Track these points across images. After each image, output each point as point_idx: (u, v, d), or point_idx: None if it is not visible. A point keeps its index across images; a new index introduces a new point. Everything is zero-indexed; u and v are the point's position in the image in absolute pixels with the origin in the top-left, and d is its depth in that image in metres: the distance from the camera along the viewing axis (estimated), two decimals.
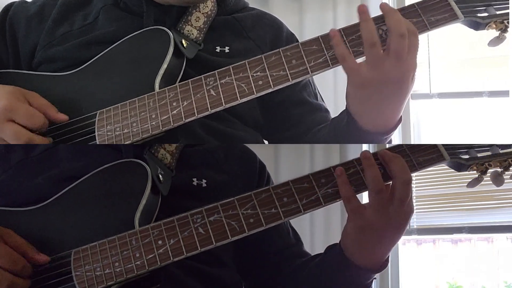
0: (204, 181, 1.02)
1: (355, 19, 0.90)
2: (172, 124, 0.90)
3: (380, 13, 0.88)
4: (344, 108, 0.95)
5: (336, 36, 0.87)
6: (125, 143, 0.91)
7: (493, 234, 2.57)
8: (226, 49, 1.06)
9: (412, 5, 0.90)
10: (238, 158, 1.11)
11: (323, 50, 0.88)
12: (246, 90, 0.89)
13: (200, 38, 1.05)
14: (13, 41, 1.10)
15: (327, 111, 1.15)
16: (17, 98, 0.90)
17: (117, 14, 1.08)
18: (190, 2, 1.06)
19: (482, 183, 0.91)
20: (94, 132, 0.92)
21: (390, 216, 0.82)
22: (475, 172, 0.89)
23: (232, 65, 0.91)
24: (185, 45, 1.00)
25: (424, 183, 2.60)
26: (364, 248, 0.86)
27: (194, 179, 1.01)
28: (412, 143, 2.05)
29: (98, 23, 1.08)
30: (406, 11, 0.89)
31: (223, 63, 0.93)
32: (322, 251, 1.02)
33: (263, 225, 0.83)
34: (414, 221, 2.58)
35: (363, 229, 0.84)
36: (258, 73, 0.89)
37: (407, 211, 0.83)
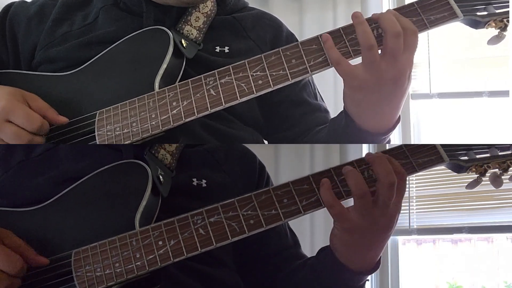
0: (204, 181, 1.02)
1: None
2: (172, 123, 0.90)
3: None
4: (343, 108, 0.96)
5: (328, 40, 0.88)
6: (125, 142, 0.91)
7: (493, 234, 2.57)
8: (226, 49, 1.06)
9: (412, 4, 0.90)
10: (238, 158, 1.11)
11: (323, 50, 0.89)
12: (246, 89, 0.89)
13: (200, 38, 1.05)
14: (13, 42, 1.10)
15: (326, 111, 1.15)
16: (16, 99, 0.90)
17: (117, 14, 1.08)
18: (189, 2, 1.06)
19: (481, 183, 0.91)
20: (94, 132, 0.92)
21: (376, 218, 0.82)
22: (473, 173, 0.89)
23: (232, 65, 0.91)
24: (184, 45, 1.00)
25: (424, 183, 2.60)
26: (352, 250, 0.87)
27: (194, 179, 1.02)
28: (412, 143, 2.05)
29: (98, 23, 1.08)
30: (405, 10, 0.89)
31: (223, 63, 0.93)
32: (311, 256, 1.03)
33: (263, 226, 0.83)
34: (414, 221, 2.57)
35: (349, 231, 0.84)
36: (258, 73, 0.89)
37: (393, 212, 0.83)
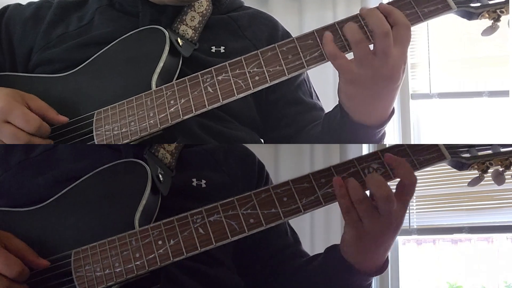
0: (203, 181, 1.02)
1: None
2: (170, 122, 0.90)
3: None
4: None
5: (328, 36, 0.88)
6: (124, 142, 0.91)
7: (493, 234, 2.57)
8: (222, 49, 1.06)
9: None
10: (238, 158, 1.11)
11: (319, 44, 0.89)
12: (243, 86, 0.89)
13: (195, 38, 1.05)
14: (9, 45, 1.10)
15: (322, 109, 1.15)
16: (15, 100, 0.90)
17: (112, 14, 1.08)
18: (184, 1, 1.06)
19: (482, 183, 0.90)
20: (92, 132, 0.92)
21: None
22: (475, 171, 0.89)
23: (228, 62, 0.91)
24: (181, 44, 1.01)
25: (424, 183, 2.60)
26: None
27: (194, 180, 1.01)
28: (412, 143, 2.05)
29: (94, 24, 1.08)
30: (399, 3, 0.89)
31: (219, 63, 0.93)
32: (322, 251, 1.02)
33: (263, 225, 0.83)
34: (414, 221, 2.58)
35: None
36: (255, 69, 0.89)
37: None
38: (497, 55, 2.67)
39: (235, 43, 1.07)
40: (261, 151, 1.17)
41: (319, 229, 2.44)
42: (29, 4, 1.14)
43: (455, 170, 0.92)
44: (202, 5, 1.08)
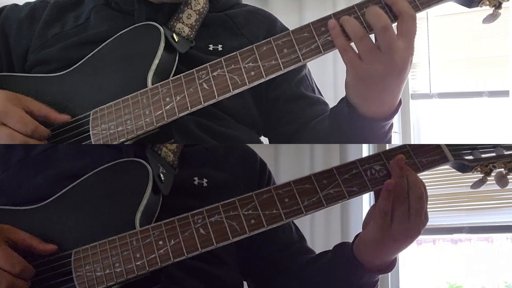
0: (205, 180, 1.02)
1: None
2: (166, 119, 0.89)
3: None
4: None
5: (336, 28, 0.86)
6: (120, 141, 0.90)
7: (493, 234, 2.57)
8: (219, 47, 1.05)
9: None
10: (239, 157, 1.10)
11: (314, 37, 0.87)
12: (239, 81, 0.88)
13: (192, 36, 1.05)
14: (5, 45, 1.10)
15: (325, 103, 1.14)
16: (11, 103, 0.90)
17: (108, 13, 1.08)
18: None
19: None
20: (89, 132, 0.92)
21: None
22: (478, 173, 0.89)
23: (224, 57, 0.90)
24: (176, 40, 1.00)
25: (425, 183, 2.59)
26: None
27: (195, 179, 1.01)
28: (412, 143, 2.05)
29: (90, 23, 1.07)
30: None
31: None
32: (323, 251, 1.02)
33: (264, 226, 0.83)
34: None
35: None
36: (250, 64, 0.88)
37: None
38: (497, 55, 2.67)
39: (232, 41, 1.07)
40: (261, 151, 1.17)
41: (319, 229, 2.44)
42: (25, 4, 1.14)
43: (455, 170, 0.92)
44: (199, 3, 1.07)
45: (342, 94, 0.95)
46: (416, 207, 0.81)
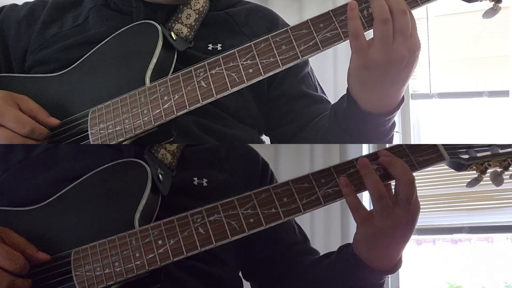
0: (205, 180, 1.02)
1: None
2: (164, 118, 0.89)
3: None
4: None
5: (355, 9, 0.85)
6: (118, 140, 0.90)
7: (493, 234, 2.57)
8: (219, 46, 1.05)
9: None
10: (240, 157, 1.10)
11: (313, 33, 0.87)
12: (237, 79, 0.88)
13: (191, 36, 1.04)
14: (3, 46, 1.10)
15: (328, 102, 1.13)
16: (6, 103, 0.89)
17: (107, 14, 1.07)
18: (179, 0, 1.05)
19: (481, 183, 0.90)
20: (87, 131, 0.92)
21: (398, 218, 0.82)
22: (474, 172, 0.89)
23: (222, 55, 0.89)
24: (174, 38, 0.99)
25: (424, 183, 2.60)
26: (376, 252, 0.86)
27: (195, 179, 1.01)
28: (412, 143, 2.04)
29: (88, 23, 1.07)
30: None
31: None
32: (322, 251, 1.02)
33: (263, 225, 0.83)
34: None
35: (374, 234, 0.83)
36: (248, 61, 0.88)
37: (414, 210, 0.83)
38: (497, 55, 2.67)
39: (232, 40, 1.06)
40: (261, 151, 1.17)
41: (319, 229, 2.44)
42: (24, 4, 1.14)
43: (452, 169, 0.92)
44: (198, 2, 1.07)
45: (342, 92, 0.94)
46: (406, 195, 0.80)
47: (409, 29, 0.83)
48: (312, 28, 0.87)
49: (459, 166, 0.89)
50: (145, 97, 0.90)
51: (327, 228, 2.44)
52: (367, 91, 0.88)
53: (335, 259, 0.95)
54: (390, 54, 0.83)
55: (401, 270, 2.69)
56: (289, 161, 2.56)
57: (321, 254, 1.05)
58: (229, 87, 0.88)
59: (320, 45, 0.87)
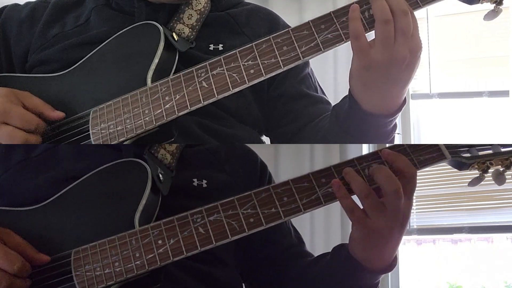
0: (204, 181, 1.02)
1: None
2: (165, 118, 0.89)
3: None
4: None
5: (357, 10, 0.85)
6: (120, 140, 0.90)
7: (493, 234, 2.57)
8: (220, 47, 1.05)
9: None
10: (240, 158, 1.10)
11: (314, 34, 0.87)
12: (238, 79, 0.88)
13: (192, 37, 1.04)
14: (5, 46, 1.10)
15: (328, 103, 1.13)
16: (10, 101, 0.89)
17: (109, 14, 1.07)
18: None
19: (482, 183, 0.90)
20: (89, 131, 0.92)
21: (389, 217, 0.81)
22: (476, 171, 0.89)
23: (223, 56, 0.90)
24: (176, 39, 0.99)
25: (424, 183, 2.60)
26: (372, 252, 0.86)
27: (195, 180, 1.01)
28: (412, 143, 2.04)
29: (90, 23, 1.07)
30: None
31: None
32: (322, 251, 1.02)
33: (263, 224, 0.83)
34: (414, 221, 2.57)
35: (368, 235, 0.83)
36: (249, 62, 0.88)
37: (408, 209, 0.83)
38: (497, 55, 2.67)
39: (233, 41, 1.06)
40: (261, 151, 1.17)
41: (319, 229, 2.44)
42: (26, 4, 1.14)
43: (455, 170, 0.91)
44: (200, 3, 1.07)
45: (342, 94, 0.94)
46: (393, 202, 0.80)
47: (410, 29, 0.83)
48: (313, 29, 0.87)
49: (460, 165, 0.88)
50: (147, 97, 0.91)
51: (327, 228, 2.44)
52: (368, 91, 0.88)
53: (330, 260, 0.95)
54: (391, 55, 0.82)
55: (401, 270, 2.69)
56: (289, 161, 2.56)
57: (317, 255, 1.05)
58: (231, 87, 0.88)
59: (321, 46, 0.87)
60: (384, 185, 0.80)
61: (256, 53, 0.88)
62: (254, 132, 1.10)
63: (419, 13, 0.87)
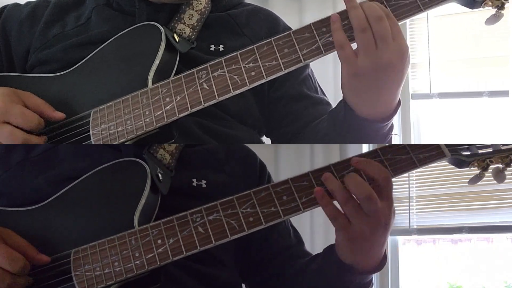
0: (204, 181, 1.02)
1: None
2: (166, 120, 0.89)
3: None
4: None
5: (337, 22, 0.86)
6: (120, 141, 0.90)
7: (493, 234, 2.57)
8: (221, 48, 1.05)
9: None
10: (239, 158, 1.10)
11: (315, 37, 0.87)
12: (239, 81, 0.88)
13: (193, 37, 1.04)
14: (6, 45, 1.10)
15: (328, 104, 1.13)
16: (11, 100, 0.90)
17: (109, 14, 1.07)
18: None
19: (481, 182, 0.90)
20: (89, 132, 0.92)
21: (372, 220, 0.82)
22: (476, 169, 0.89)
23: (224, 57, 0.90)
24: (177, 40, 1.00)
25: (424, 183, 2.59)
26: (359, 255, 0.87)
27: (194, 180, 1.01)
28: (412, 143, 2.04)
29: (91, 23, 1.07)
30: None
31: None
32: (315, 254, 1.02)
33: (263, 223, 0.83)
34: (414, 221, 2.57)
35: (352, 239, 0.84)
36: (250, 64, 0.88)
37: (390, 210, 0.83)
38: (497, 55, 2.67)
39: (234, 42, 1.06)
40: (261, 151, 1.17)
41: (319, 229, 2.44)
42: (27, 4, 1.14)
43: (455, 170, 0.92)
44: (200, 3, 1.07)
45: (342, 95, 0.95)
46: (368, 208, 0.80)
47: (389, 34, 0.83)
48: (314, 32, 0.88)
49: (460, 163, 0.88)
50: (147, 98, 0.91)
51: (326, 228, 2.44)
52: (360, 98, 0.89)
53: (322, 261, 0.95)
54: (376, 61, 0.83)
55: (401, 270, 2.70)
56: (289, 161, 2.56)
57: (312, 255, 1.05)
58: (231, 89, 0.88)
59: (322, 49, 0.87)
60: (356, 192, 0.81)
61: (257, 55, 0.88)
62: (254, 133, 1.10)
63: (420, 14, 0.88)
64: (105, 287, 0.82)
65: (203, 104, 0.88)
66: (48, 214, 0.91)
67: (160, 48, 0.95)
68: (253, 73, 0.88)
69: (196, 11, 1.06)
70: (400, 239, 2.58)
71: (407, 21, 0.91)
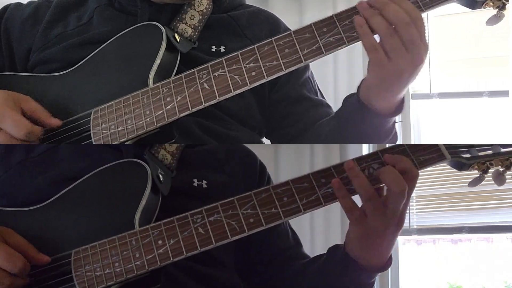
0: (204, 182, 1.02)
1: None
2: (166, 119, 0.89)
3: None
4: None
5: (363, 25, 0.85)
6: (121, 140, 0.90)
7: (493, 234, 2.57)
8: (222, 49, 1.05)
9: None
10: (239, 159, 1.10)
11: (316, 37, 0.87)
12: (240, 81, 0.88)
13: (195, 37, 1.05)
14: (8, 45, 1.10)
15: (328, 106, 1.14)
16: (7, 105, 0.89)
17: (111, 14, 1.07)
18: None
19: (482, 183, 0.90)
20: (90, 131, 0.92)
21: (388, 217, 0.82)
22: (476, 171, 0.89)
23: (225, 57, 0.90)
24: (178, 40, 1.00)
25: (424, 183, 2.60)
26: (369, 251, 0.87)
27: (195, 180, 1.01)
28: (412, 143, 2.04)
29: (92, 23, 1.07)
30: None
31: None
32: (322, 251, 1.02)
33: (263, 225, 0.83)
34: (414, 221, 2.58)
35: (367, 234, 0.84)
36: (251, 64, 0.88)
37: (404, 209, 0.83)
38: (497, 55, 2.67)
39: (235, 43, 1.06)
40: (261, 151, 1.17)
41: (319, 229, 2.44)
42: (29, 3, 1.14)
43: (455, 170, 0.91)
44: (202, 4, 1.07)
45: (342, 95, 0.95)
46: (396, 202, 0.80)
47: (417, 38, 0.87)
48: (315, 32, 0.87)
49: (460, 165, 0.89)
50: (148, 98, 0.91)
51: (327, 228, 2.44)
52: (381, 96, 0.90)
53: (326, 260, 0.95)
54: (402, 62, 0.86)
55: (401, 270, 2.69)
56: (289, 161, 2.56)
57: (313, 257, 1.05)
58: (232, 89, 0.88)
59: (323, 49, 0.87)
60: (392, 185, 0.80)
61: (258, 55, 0.88)
62: (254, 134, 1.10)
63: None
64: (106, 287, 0.82)
65: (203, 104, 0.88)
66: (49, 214, 0.91)
67: (161, 48, 0.95)
68: (253, 73, 0.88)
69: (197, 11, 1.06)
70: (400, 239, 2.58)
71: None
